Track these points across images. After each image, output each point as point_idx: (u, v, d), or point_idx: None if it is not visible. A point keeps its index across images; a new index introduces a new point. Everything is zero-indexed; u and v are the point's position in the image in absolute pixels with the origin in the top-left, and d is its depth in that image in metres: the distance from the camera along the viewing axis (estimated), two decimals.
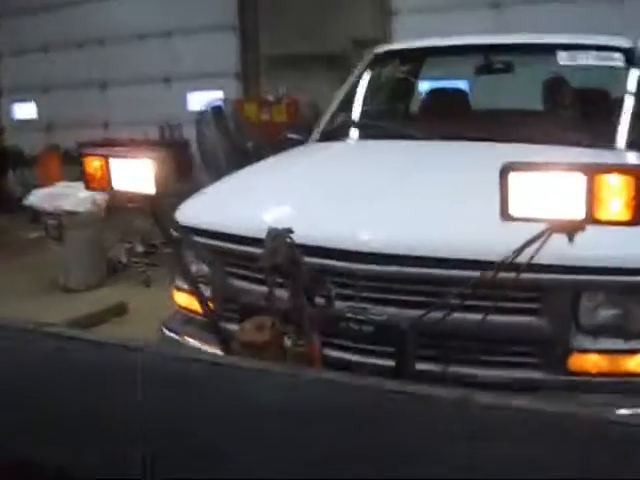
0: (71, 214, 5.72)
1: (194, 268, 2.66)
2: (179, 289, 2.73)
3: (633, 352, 2.02)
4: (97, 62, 10.62)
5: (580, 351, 2.03)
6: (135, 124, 9.91)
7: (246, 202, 2.51)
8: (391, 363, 1.91)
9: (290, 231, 1.66)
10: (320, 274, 1.82)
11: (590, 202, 1.48)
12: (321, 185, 2.57)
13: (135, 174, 2.03)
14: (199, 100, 10.10)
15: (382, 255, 2.03)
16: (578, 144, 3.04)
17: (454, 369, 1.94)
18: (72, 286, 5.71)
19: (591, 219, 1.50)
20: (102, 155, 2.09)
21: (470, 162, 2.92)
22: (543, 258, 1.75)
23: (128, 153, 2.12)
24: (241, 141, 5.62)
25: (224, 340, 2.14)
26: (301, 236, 1.83)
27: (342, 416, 0.87)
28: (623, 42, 3.53)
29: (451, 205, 2.28)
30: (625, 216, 1.48)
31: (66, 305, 5.27)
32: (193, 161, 9.60)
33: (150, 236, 6.87)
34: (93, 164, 2.10)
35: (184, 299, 2.71)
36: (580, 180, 1.49)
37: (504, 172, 1.54)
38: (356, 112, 3.93)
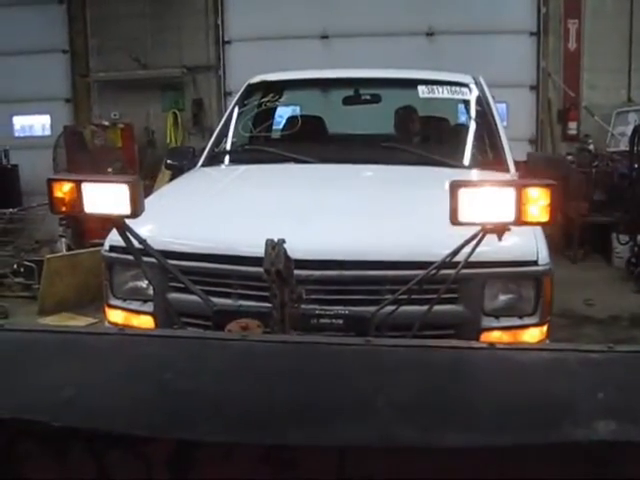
0: None
1: (130, 286, 2.86)
2: (114, 307, 2.88)
3: (525, 327, 2.57)
4: None
5: (487, 329, 2.54)
6: None
7: (211, 225, 2.72)
8: None
9: (284, 241, 1.98)
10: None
11: (518, 209, 1.97)
12: (261, 204, 2.88)
13: (109, 197, 2.21)
14: (25, 124, 9.81)
15: (333, 261, 2.40)
16: (434, 164, 3.60)
17: None
18: None
19: (519, 221, 1.99)
20: (73, 180, 2.24)
21: (363, 180, 3.41)
22: (460, 257, 2.22)
23: (99, 178, 2.29)
24: (102, 165, 5.67)
25: None
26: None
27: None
28: (467, 78, 4.19)
29: (375, 217, 2.71)
30: (544, 218, 1.98)
31: None
32: (21, 186, 9.28)
33: None
34: (63, 188, 2.25)
35: (121, 317, 2.86)
36: (511, 193, 1.97)
37: (454, 188, 1.98)
38: (237, 138, 4.24)
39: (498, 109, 4.33)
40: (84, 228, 6.61)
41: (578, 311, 5.67)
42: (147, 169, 8.79)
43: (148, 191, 4.01)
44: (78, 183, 2.23)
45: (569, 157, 7.92)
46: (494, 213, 2.00)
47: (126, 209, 2.18)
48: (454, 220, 2.01)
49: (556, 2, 8.76)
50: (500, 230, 2.04)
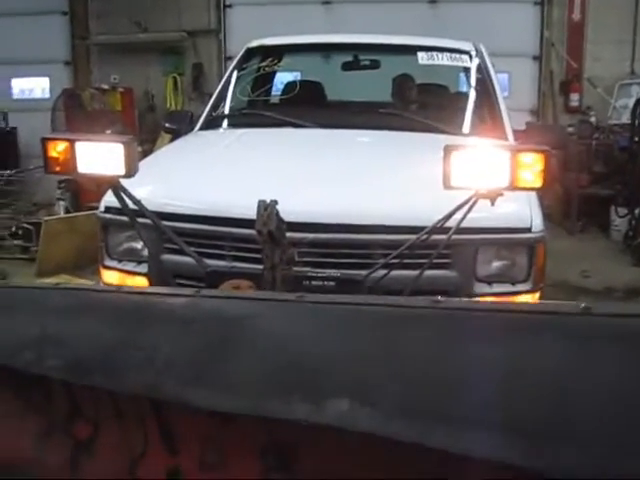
0: None
1: (125, 247, 2.87)
2: (109, 268, 2.89)
3: (518, 293, 2.58)
4: None
5: (479, 295, 2.55)
6: None
7: (206, 188, 2.71)
8: None
9: (276, 202, 1.98)
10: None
11: (512, 173, 1.97)
12: (256, 168, 2.87)
13: (103, 157, 2.21)
14: (24, 87, 9.74)
15: (326, 225, 2.41)
16: (431, 131, 3.58)
17: None
18: None
19: (513, 186, 1.99)
20: (67, 139, 2.24)
21: (359, 145, 3.41)
22: (453, 222, 2.22)
23: (93, 138, 2.29)
24: (101, 127, 5.65)
25: None
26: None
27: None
28: (468, 46, 4.15)
29: (371, 180, 2.71)
30: (537, 183, 1.98)
31: None
32: (19, 149, 9.25)
33: None
34: (57, 148, 2.24)
35: (115, 278, 2.87)
36: (505, 157, 1.97)
37: (448, 151, 1.98)
38: (235, 102, 4.22)
39: (499, 78, 4.29)
40: (82, 191, 6.61)
41: (574, 282, 5.69)
42: (147, 133, 8.75)
43: (148, 155, 4.00)
44: (72, 142, 2.23)
45: (570, 129, 7.86)
46: (487, 178, 2.00)
47: (120, 169, 2.18)
48: (447, 184, 2.01)
49: None
50: (493, 195, 2.04)
